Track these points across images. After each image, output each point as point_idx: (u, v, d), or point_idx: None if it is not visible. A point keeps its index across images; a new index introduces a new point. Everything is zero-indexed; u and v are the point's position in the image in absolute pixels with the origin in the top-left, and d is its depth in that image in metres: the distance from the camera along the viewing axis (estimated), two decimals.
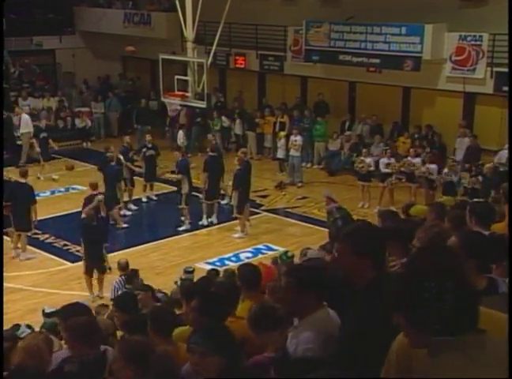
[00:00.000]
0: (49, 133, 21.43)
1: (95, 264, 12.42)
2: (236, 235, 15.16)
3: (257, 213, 16.58)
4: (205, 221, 15.89)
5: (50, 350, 4.76)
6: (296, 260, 8.68)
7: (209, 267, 11.91)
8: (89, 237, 12.29)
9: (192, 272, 9.94)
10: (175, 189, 17.15)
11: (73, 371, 2.65)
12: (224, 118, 21.62)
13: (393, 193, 16.52)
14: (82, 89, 25.93)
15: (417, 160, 16.54)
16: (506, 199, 5.03)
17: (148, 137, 17.92)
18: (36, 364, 4.26)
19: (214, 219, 15.97)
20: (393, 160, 16.74)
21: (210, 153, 16.33)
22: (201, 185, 16.06)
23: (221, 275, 9.31)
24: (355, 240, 3.43)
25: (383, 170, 16.72)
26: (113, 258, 12.65)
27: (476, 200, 10.46)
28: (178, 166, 15.87)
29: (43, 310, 9.06)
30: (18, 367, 4.12)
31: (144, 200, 17.57)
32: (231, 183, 15.71)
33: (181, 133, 20.51)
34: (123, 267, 10.43)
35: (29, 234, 14.32)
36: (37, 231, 15.44)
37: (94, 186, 13.69)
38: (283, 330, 4.01)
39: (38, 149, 20.10)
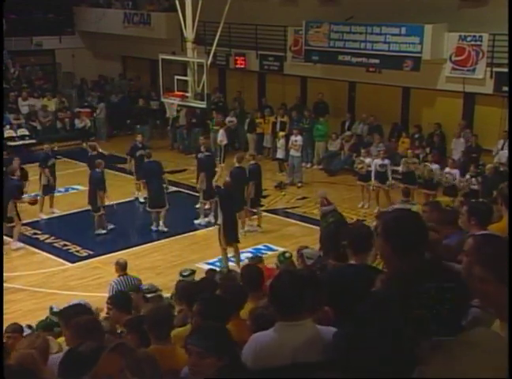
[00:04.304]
0: (49, 133, 21.41)
1: None
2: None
3: (255, 214, 16.57)
4: (202, 221, 15.90)
5: (46, 357, 4.73)
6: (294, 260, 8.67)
7: (210, 267, 11.91)
8: None
9: (188, 275, 9.60)
10: (173, 189, 17.19)
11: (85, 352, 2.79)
12: (229, 117, 21.64)
13: (389, 194, 16.49)
14: (83, 88, 25.97)
15: (436, 167, 16.40)
16: (504, 199, 4.99)
17: (138, 138, 17.87)
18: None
19: (211, 218, 15.95)
20: (387, 161, 16.67)
21: (206, 153, 16.32)
22: (198, 185, 16.06)
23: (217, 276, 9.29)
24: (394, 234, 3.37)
25: (379, 170, 16.69)
26: (113, 258, 12.64)
27: (473, 200, 10.45)
28: (142, 169, 15.87)
29: (51, 308, 9.07)
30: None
31: (141, 200, 17.45)
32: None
33: (222, 132, 20.17)
34: (122, 267, 10.41)
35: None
36: (37, 231, 15.49)
37: None
38: None
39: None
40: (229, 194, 13.35)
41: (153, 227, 15.48)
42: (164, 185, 15.73)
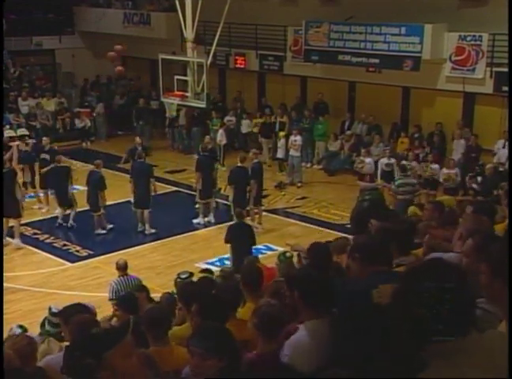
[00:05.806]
0: (49, 133, 21.39)
1: None
2: None
3: (257, 213, 16.57)
4: (201, 220, 15.90)
5: (28, 359, 4.70)
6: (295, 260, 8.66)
7: (210, 267, 11.89)
8: None
9: (186, 278, 9.48)
10: (174, 189, 17.12)
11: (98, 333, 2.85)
12: (228, 117, 21.63)
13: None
14: (86, 88, 25.96)
15: (436, 166, 16.42)
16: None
17: (137, 140, 17.78)
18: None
19: (211, 218, 15.95)
20: (392, 161, 16.73)
21: (202, 153, 16.35)
22: (194, 185, 16.09)
23: (217, 274, 9.27)
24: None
25: (385, 169, 16.71)
26: (113, 258, 12.65)
27: (476, 200, 10.43)
28: (132, 168, 15.89)
29: (50, 308, 9.03)
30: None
31: None
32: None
33: (221, 132, 20.19)
34: (122, 267, 10.39)
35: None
36: (37, 231, 15.48)
37: None
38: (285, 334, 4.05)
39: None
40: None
41: (139, 228, 15.45)
42: (152, 190, 15.53)
